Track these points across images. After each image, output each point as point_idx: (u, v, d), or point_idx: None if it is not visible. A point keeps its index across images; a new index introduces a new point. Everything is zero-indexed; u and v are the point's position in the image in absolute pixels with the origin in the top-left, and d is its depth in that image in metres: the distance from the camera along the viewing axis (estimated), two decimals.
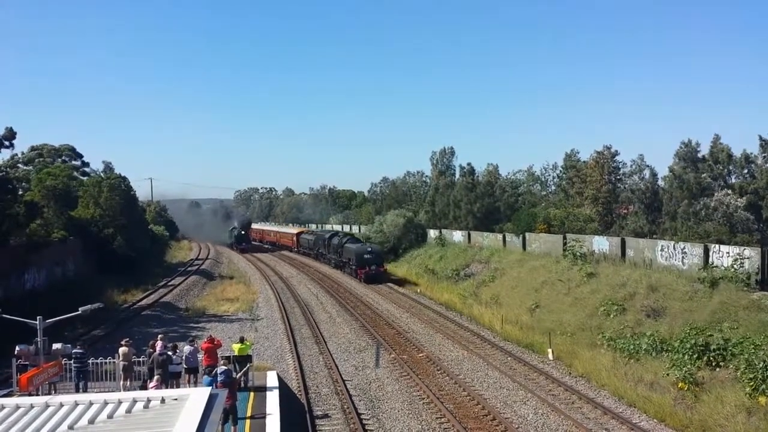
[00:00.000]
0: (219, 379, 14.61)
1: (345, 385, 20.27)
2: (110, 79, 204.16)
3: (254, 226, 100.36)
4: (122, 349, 17.08)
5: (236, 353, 17.34)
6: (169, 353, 16.86)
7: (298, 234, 76.25)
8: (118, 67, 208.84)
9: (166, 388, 14.53)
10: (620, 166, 47.10)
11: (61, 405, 9.17)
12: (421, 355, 24.35)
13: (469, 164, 68.72)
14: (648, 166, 47.17)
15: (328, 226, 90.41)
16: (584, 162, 51.71)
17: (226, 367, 15.31)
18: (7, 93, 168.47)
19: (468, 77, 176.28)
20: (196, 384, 16.00)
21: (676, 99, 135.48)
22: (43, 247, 34.10)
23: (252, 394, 16.56)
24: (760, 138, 36.23)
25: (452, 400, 18.91)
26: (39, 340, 15.10)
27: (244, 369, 16.89)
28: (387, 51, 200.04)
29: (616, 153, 46.46)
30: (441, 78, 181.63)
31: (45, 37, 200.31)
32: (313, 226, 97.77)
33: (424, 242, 58.92)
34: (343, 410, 18.10)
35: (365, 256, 46.78)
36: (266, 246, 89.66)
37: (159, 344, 17.62)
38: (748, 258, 24.71)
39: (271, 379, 17.97)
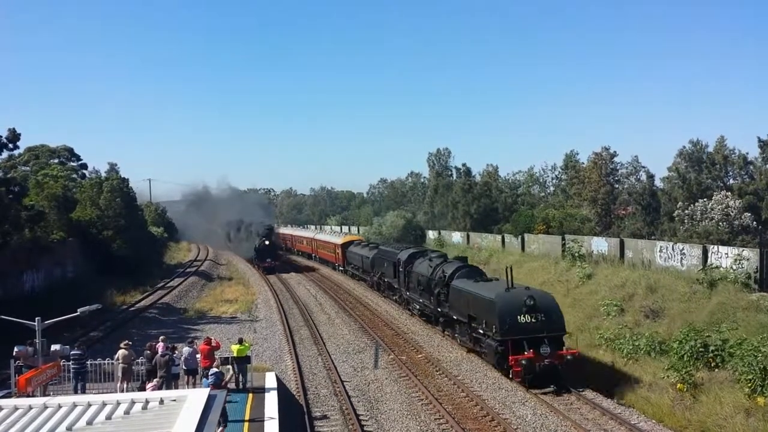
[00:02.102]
0: (209, 381, 14.68)
1: (344, 386, 20.26)
2: (110, 78, 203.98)
3: (280, 229, 74.38)
4: (121, 352, 17.04)
5: (235, 354, 17.33)
6: (170, 354, 16.86)
7: (345, 245, 50.41)
8: (118, 67, 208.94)
9: (168, 389, 14.54)
10: (618, 167, 47.33)
11: (60, 406, 9.17)
12: (419, 356, 24.35)
13: (464, 165, 69.01)
14: (643, 167, 47.55)
15: (327, 227, 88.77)
16: (583, 163, 51.91)
17: (216, 369, 15.55)
18: (6, 93, 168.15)
19: (467, 78, 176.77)
20: (194, 385, 15.99)
21: (674, 100, 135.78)
22: (43, 248, 34.10)
23: (250, 395, 16.55)
24: (759, 140, 36.35)
25: (451, 401, 18.90)
26: (37, 341, 15.09)
27: (231, 372, 16.84)
28: (385, 51, 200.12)
29: (615, 154, 46.68)
30: (440, 78, 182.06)
31: (44, 36, 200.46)
32: (364, 231, 70.46)
33: (423, 243, 58.96)
34: (341, 411, 18.10)
35: (524, 319, 19.76)
36: (296, 257, 68.36)
37: (161, 345, 17.61)
38: (746, 259, 24.77)
39: (270, 381, 17.96)
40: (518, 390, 19.44)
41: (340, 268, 51.85)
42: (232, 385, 16.99)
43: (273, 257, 55.90)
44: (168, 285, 46.88)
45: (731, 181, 38.62)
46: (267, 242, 55.80)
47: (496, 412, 17.57)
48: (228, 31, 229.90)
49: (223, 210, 69.93)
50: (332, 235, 62.99)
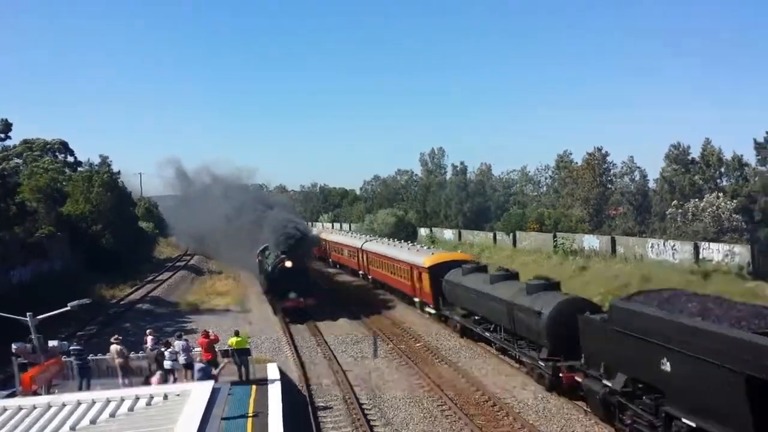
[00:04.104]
0: (197, 376, 14.55)
1: (345, 375, 20.22)
2: (107, 75, 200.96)
3: (329, 237, 53.31)
4: (114, 347, 16.88)
5: (234, 347, 17.16)
6: (162, 349, 16.68)
7: (437, 270, 28.22)
8: (114, 64, 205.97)
9: (165, 383, 14.38)
10: (610, 167, 47.84)
11: (64, 405, 9.04)
12: (418, 344, 24.37)
13: (462, 163, 69.44)
14: (638, 167, 48.12)
15: (318, 224, 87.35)
16: (577, 163, 52.38)
17: (203, 364, 15.57)
18: (4, 87, 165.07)
19: (463, 77, 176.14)
20: (191, 380, 15.83)
21: (667, 100, 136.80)
22: (31, 242, 33.72)
23: (254, 387, 16.43)
24: (755, 141, 36.74)
25: (452, 387, 18.92)
26: (33, 337, 14.86)
27: (221, 366, 16.69)
28: (379, 50, 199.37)
29: (607, 154, 47.15)
30: (434, 78, 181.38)
31: (43, 34, 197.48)
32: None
33: (414, 240, 59.03)
34: (344, 400, 18.06)
35: None
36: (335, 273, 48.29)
37: (149, 339, 17.39)
38: (737, 254, 25.18)
39: (272, 372, 17.83)
40: (518, 375, 19.53)
41: (429, 308, 29.10)
42: (232, 378, 16.88)
43: (303, 290, 30.57)
44: (157, 279, 46.50)
45: (724, 183, 39.13)
46: (290, 263, 30.65)
47: (497, 397, 17.66)
48: (223, 31, 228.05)
49: (211, 202, 45.81)
50: (405, 248, 35.21)
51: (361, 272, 42.95)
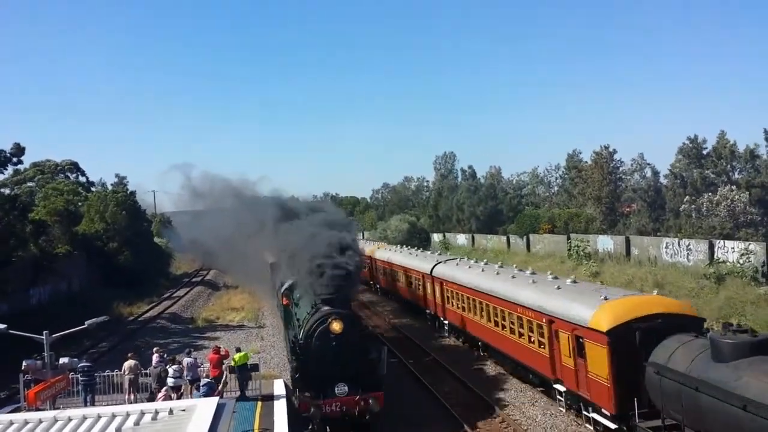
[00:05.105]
0: (201, 391, 14.60)
1: None
2: (110, 88, 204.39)
3: (377, 253, 41.07)
4: (128, 363, 17.11)
5: (236, 363, 17.19)
6: (166, 367, 16.72)
7: (622, 334, 13.53)
8: (118, 76, 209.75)
9: (170, 399, 14.52)
10: (619, 165, 47.49)
11: (69, 419, 9.18)
12: (427, 359, 24.30)
13: (470, 167, 69.38)
14: (648, 164, 47.62)
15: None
16: (586, 162, 52.04)
17: (208, 380, 15.68)
18: (11, 105, 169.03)
19: (468, 80, 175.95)
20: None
21: (678, 95, 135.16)
22: (49, 262, 34.38)
23: (259, 403, 16.49)
24: (766, 131, 36.26)
25: (460, 402, 18.81)
26: (46, 354, 15.13)
27: (223, 380, 16.69)
28: (386, 55, 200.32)
29: (614, 152, 46.83)
30: (441, 82, 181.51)
31: (46, 54, 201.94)
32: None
33: (428, 246, 58.96)
34: None
35: None
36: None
37: (155, 357, 17.53)
38: (753, 253, 24.71)
39: (278, 388, 17.89)
40: (527, 390, 19.36)
41: (600, 417, 14.70)
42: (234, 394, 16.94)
43: (364, 378, 15.93)
44: (174, 295, 46.97)
45: (737, 175, 38.60)
46: (339, 324, 15.70)
47: (506, 413, 17.50)
48: (227, 39, 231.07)
49: (222, 215, 35.58)
50: (527, 279, 20.33)
51: (428, 311, 29.32)
